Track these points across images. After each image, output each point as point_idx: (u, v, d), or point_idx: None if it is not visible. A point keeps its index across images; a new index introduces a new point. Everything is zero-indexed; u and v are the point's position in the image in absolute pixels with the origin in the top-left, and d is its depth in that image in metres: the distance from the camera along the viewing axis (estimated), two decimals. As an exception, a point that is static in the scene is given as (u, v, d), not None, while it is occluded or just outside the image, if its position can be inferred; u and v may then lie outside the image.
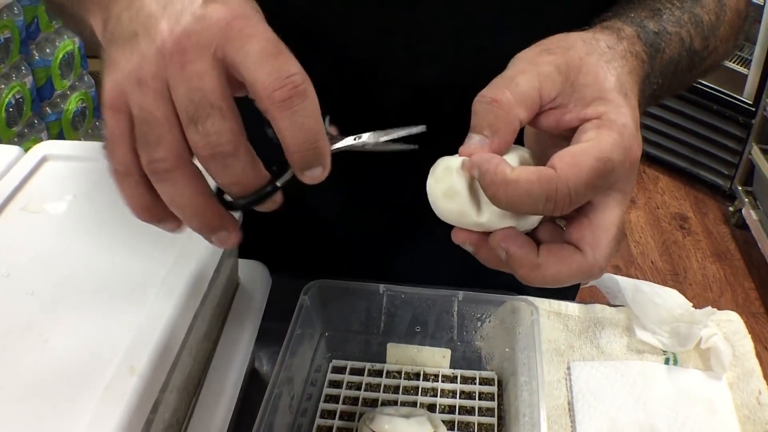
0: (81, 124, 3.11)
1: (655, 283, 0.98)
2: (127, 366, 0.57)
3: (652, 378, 0.90)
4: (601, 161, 0.53)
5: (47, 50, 2.83)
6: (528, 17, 0.82)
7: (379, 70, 0.86)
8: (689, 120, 3.40)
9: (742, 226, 3.25)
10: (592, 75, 0.57)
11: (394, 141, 0.59)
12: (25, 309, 0.63)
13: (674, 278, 3.02)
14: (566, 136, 0.57)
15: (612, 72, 0.58)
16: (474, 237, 0.58)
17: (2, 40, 2.54)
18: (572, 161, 0.52)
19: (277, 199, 0.54)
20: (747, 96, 3.15)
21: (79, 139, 3.12)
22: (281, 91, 0.49)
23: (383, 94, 0.87)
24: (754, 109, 3.12)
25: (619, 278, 0.97)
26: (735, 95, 3.18)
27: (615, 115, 0.55)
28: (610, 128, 0.54)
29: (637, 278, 0.98)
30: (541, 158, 0.57)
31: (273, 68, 0.49)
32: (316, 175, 0.52)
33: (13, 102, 2.63)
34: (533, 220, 0.58)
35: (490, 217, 0.56)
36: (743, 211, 3.18)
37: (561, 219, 0.59)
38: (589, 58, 0.58)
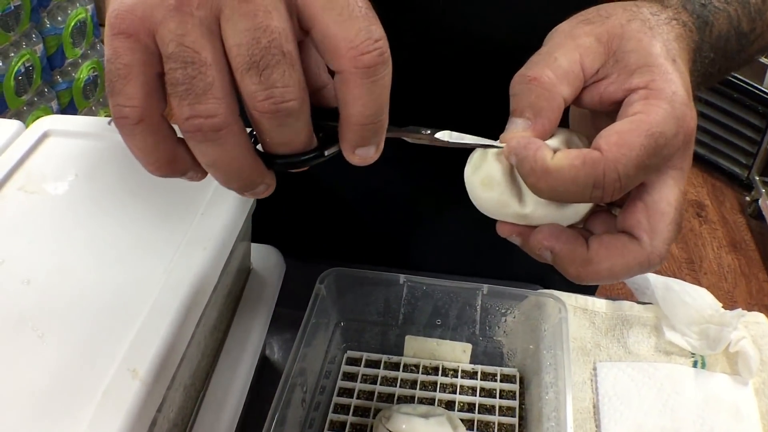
0: (92, 93, 3.08)
1: (669, 271, 0.95)
2: (128, 368, 0.52)
3: (679, 382, 0.87)
4: (652, 137, 0.48)
5: (59, 18, 2.79)
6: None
7: (399, 45, 0.82)
8: (709, 107, 3.34)
9: (757, 216, 3.21)
10: (635, 41, 0.52)
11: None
12: (19, 299, 0.58)
13: (689, 266, 2.98)
14: (612, 111, 0.53)
15: (657, 38, 0.53)
16: (519, 230, 0.54)
17: (12, 7, 2.50)
18: (620, 140, 0.48)
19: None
20: (767, 86, 3.10)
21: (90, 108, 3.09)
22: (370, 56, 0.42)
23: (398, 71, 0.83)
24: (773, 101, 3.08)
25: (650, 275, 0.93)
26: (755, 84, 3.13)
27: (663, 83, 0.50)
28: (659, 98, 0.50)
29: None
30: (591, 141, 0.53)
31: (361, 27, 0.42)
32: (369, 155, 0.47)
33: (23, 70, 2.60)
34: (582, 210, 0.54)
35: (533, 207, 0.52)
36: (760, 201, 3.14)
37: (614, 206, 0.55)
38: (631, 24, 0.53)
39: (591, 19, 0.54)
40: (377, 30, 0.43)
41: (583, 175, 0.47)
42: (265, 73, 0.41)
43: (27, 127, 0.78)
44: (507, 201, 0.53)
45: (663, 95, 0.50)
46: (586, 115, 0.57)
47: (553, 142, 0.52)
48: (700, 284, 0.94)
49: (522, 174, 0.50)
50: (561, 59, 0.52)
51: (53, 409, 0.51)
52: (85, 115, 3.07)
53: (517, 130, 0.51)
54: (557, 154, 0.49)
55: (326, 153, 0.48)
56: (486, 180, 0.53)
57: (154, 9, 0.42)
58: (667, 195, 0.51)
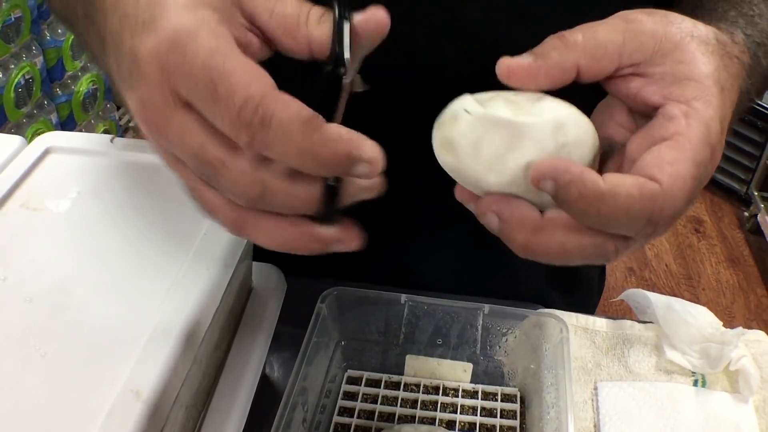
0: (92, 106, 3.08)
1: (668, 287, 0.95)
2: (131, 390, 0.52)
3: (680, 401, 0.87)
4: (697, 167, 0.46)
5: (59, 30, 2.80)
6: (563, 19, 0.78)
7: (403, 66, 0.81)
8: (707, 122, 3.35)
9: (756, 231, 3.21)
10: (690, 55, 0.50)
11: None
12: (22, 317, 0.59)
13: (688, 282, 2.98)
14: (640, 111, 0.51)
15: (714, 63, 0.50)
16: (476, 198, 0.50)
17: (13, 19, 2.50)
18: (674, 172, 0.45)
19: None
20: (767, 101, 3.11)
21: (89, 121, 3.09)
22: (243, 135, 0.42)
23: (402, 92, 0.83)
24: (773, 115, 3.08)
25: (650, 294, 0.93)
26: (755, 100, 3.13)
27: (704, 105, 0.48)
28: (699, 119, 0.47)
29: (651, 281, 0.95)
30: (600, 129, 0.51)
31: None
32: (362, 172, 0.44)
33: (23, 82, 2.60)
34: None
35: (497, 181, 0.48)
36: (758, 216, 3.14)
37: None
38: (693, 40, 0.51)
39: (655, 16, 0.51)
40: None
41: (638, 208, 0.44)
42: (216, 184, 0.45)
43: (27, 139, 0.78)
44: (467, 170, 0.49)
45: (702, 118, 0.47)
46: (607, 100, 0.55)
47: (549, 110, 0.48)
48: (698, 300, 0.94)
49: (567, 200, 0.45)
50: (600, 33, 0.50)
51: (57, 429, 0.51)
52: (85, 127, 3.07)
53: (511, 62, 0.49)
54: (608, 178, 0.44)
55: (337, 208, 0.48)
56: (446, 143, 0.49)
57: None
58: (692, 155, 0.47)
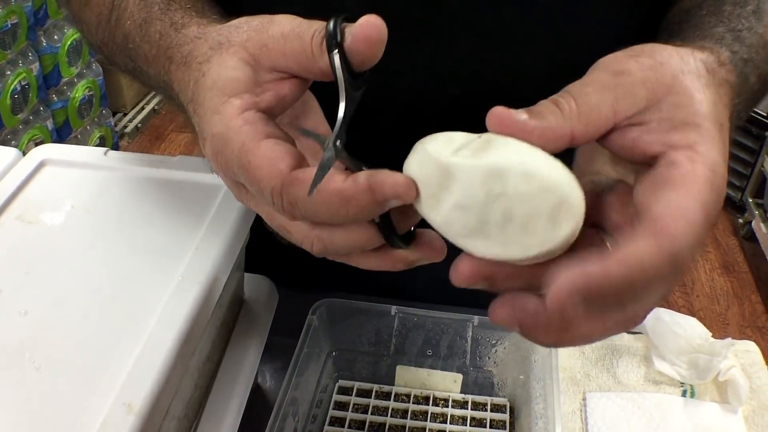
0: (87, 113, 3.09)
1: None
2: (123, 403, 0.53)
3: (669, 411, 0.87)
4: (706, 213, 0.44)
5: (55, 37, 2.81)
6: (553, 37, 0.78)
7: (396, 88, 0.82)
8: (702, 129, 3.36)
9: (750, 238, 3.21)
10: (686, 96, 0.48)
11: None
12: (16, 330, 0.59)
13: (682, 289, 2.98)
14: (639, 161, 0.48)
15: (709, 98, 0.49)
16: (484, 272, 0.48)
17: (9, 25, 2.51)
18: (688, 222, 0.43)
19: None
20: (762, 108, 3.11)
21: (85, 128, 3.10)
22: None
23: (397, 114, 0.83)
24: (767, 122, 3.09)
25: (639, 305, 0.94)
26: (749, 106, 3.14)
27: (707, 149, 0.46)
28: (704, 164, 0.45)
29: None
30: (584, 171, 0.50)
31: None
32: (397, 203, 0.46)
33: (19, 89, 2.61)
34: (564, 239, 0.45)
35: (436, 219, 0.46)
36: (753, 223, 3.14)
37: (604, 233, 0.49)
38: (685, 77, 0.49)
39: (642, 60, 0.50)
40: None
41: (667, 266, 0.42)
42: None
43: (22, 146, 0.79)
44: (418, 208, 0.47)
45: (707, 162, 0.45)
46: (594, 148, 0.53)
47: (499, 155, 0.45)
48: (692, 307, 0.95)
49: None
50: (591, 96, 0.48)
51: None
52: (80, 134, 3.08)
53: (505, 112, 0.47)
54: (621, 253, 0.42)
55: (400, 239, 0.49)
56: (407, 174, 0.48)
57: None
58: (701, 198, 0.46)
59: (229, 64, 0.52)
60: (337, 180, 0.46)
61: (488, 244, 0.45)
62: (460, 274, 0.47)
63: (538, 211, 0.44)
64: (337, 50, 0.48)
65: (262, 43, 0.52)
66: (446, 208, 0.46)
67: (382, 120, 0.80)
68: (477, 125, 0.83)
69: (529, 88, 0.79)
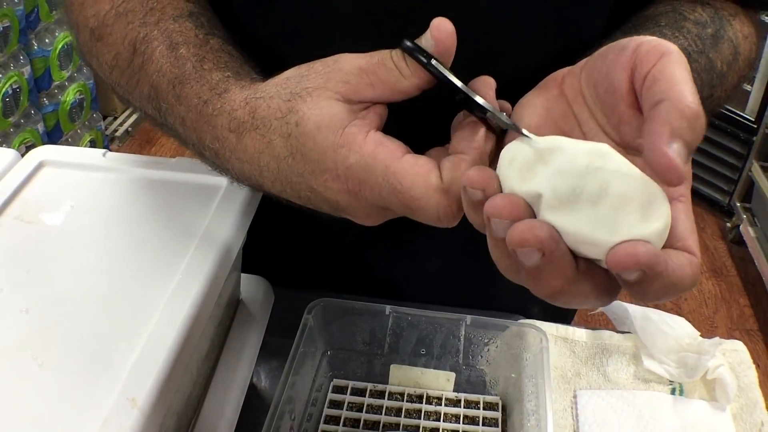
0: (78, 116, 3.09)
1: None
2: (127, 398, 0.54)
3: (658, 408, 0.89)
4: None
5: (46, 40, 2.81)
6: (543, 41, 0.79)
7: None
8: (690, 134, 3.37)
9: (738, 242, 3.23)
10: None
11: None
12: (19, 328, 0.60)
13: (670, 292, 2.99)
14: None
15: None
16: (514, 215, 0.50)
17: (1, 29, 2.52)
18: (696, 240, 0.47)
19: None
20: (749, 112, 3.13)
21: (76, 131, 3.10)
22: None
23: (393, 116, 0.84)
24: (755, 126, 3.10)
25: (628, 305, 0.95)
26: (737, 111, 3.16)
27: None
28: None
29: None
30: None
31: None
32: None
33: (10, 92, 2.61)
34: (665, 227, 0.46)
35: (521, 188, 0.47)
36: (741, 227, 3.16)
37: None
38: None
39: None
40: None
41: (690, 284, 0.45)
42: None
43: (13, 148, 0.80)
44: (502, 181, 0.49)
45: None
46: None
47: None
48: (680, 310, 0.96)
49: (650, 288, 0.44)
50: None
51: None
52: (71, 137, 3.08)
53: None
54: (673, 261, 0.44)
55: None
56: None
57: None
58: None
59: (322, 105, 0.53)
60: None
61: (575, 219, 0.45)
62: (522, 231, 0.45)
63: (634, 197, 0.45)
64: (432, 59, 0.53)
65: (343, 81, 0.54)
66: (544, 176, 0.46)
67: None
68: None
69: (523, 78, 0.80)
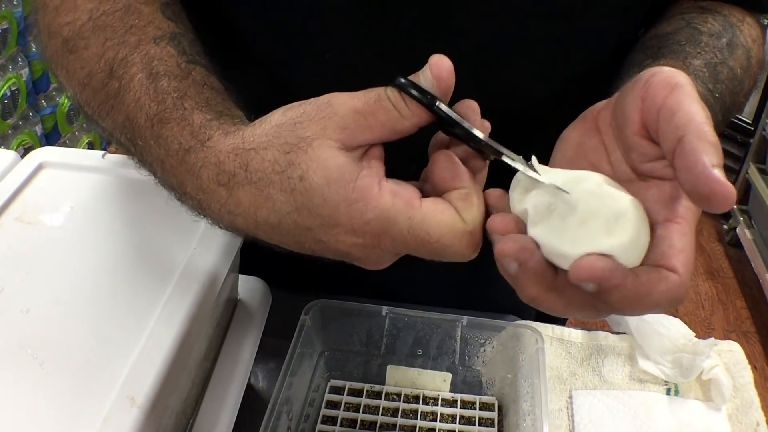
0: (76, 118, 3.09)
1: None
2: (127, 396, 0.54)
3: (653, 408, 0.89)
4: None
5: (45, 43, 2.80)
6: (551, 56, 0.79)
7: None
8: (687, 136, 3.37)
9: (735, 244, 3.24)
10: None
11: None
12: (19, 328, 0.61)
13: (667, 294, 3.00)
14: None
15: None
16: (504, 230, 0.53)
17: (0, 30, 2.51)
18: (686, 259, 0.47)
19: None
20: (746, 115, 3.14)
21: (74, 133, 3.10)
22: None
23: None
24: (752, 129, 3.11)
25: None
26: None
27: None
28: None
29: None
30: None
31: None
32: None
33: (8, 94, 2.61)
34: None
35: (515, 208, 0.53)
36: (738, 229, 3.17)
37: None
38: None
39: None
40: None
41: (667, 300, 0.47)
42: None
43: (11, 150, 0.81)
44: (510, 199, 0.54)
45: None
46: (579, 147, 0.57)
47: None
48: (677, 312, 0.96)
49: (609, 300, 0.46)
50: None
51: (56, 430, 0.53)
52: (69, 139, 3.08)
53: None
54: (642, 276, 0.46)
55: None
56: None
57: None
58: (692, 239, 0.50)
59: (326, 157, 0.51)
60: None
61: (548, 233, 0.49)
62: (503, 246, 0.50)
63: (600, 213, 0.48)
64: (437, 100, 0.52)
65: (341, 126, 0.52)
66: (531, 197, 0.52)
67: None
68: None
69: (528, 104, 0.81)
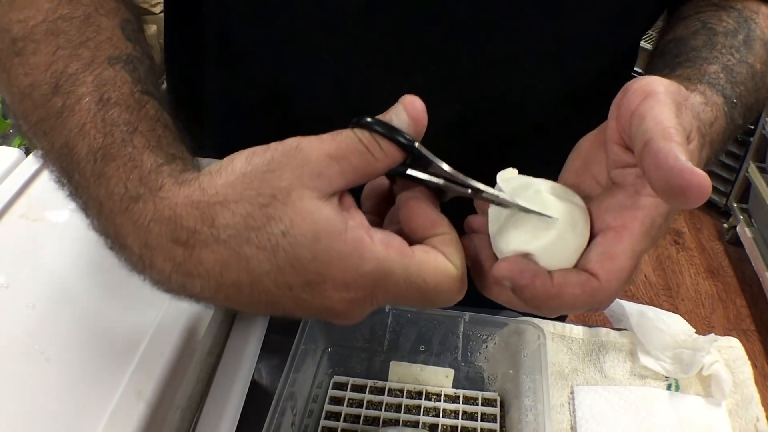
0: (77, 118, 3.08)
1: (647, 297, 0.98)
2: (135, 390, 0.55)
3: (654, 404, 0.90)
4: (636, 257, 0.51)
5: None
6: (556, 60, 0.80)
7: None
8: (687, 135, 3.38)
9: (735, 242, 3.25)
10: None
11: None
12: (26, 323, 0.62)
13: (667, 293, 3.01)
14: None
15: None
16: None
17: (2, 31, 2.51)
18: (614, 267, 0.50)
19: None
20: (745, 114, 3.14)
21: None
22: None
23: None
24: (752, 127, 3.12)
25: (624, 303, 0.96)
26: (733, 112, 3.16)
27: (658, 201, 0.52)
28: (647, 214, 0.51)
29: (630, 292, 0.98)
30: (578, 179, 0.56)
31: None
32: None
33: (10, 94, 2.60)
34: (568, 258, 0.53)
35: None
36: (737, 228, 3.18)
37: None
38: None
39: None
40: None
41: (581, 302, 0.49)
42: None
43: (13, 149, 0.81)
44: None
45: (650, 214, 0.51)
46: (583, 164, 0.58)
47: (551, 202, 0.53)
48: (677, 310, 0.97)
49: (521, 298, 0.51)
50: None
51: (65, 426, 0.54)
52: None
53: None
54: (555, 278, 0.50)
55: None
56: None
57: None
58: (631, 248, 0.51)
59: (310, 209, 0.47)
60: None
61: (497, 237, 0.53)
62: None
63: (530, 217, 0.52)
64: (415, 142, 0.50)
65: (315, 174, 0.47)
66: (495, 208, 0.55)
67: None
68: (476, 141, 0.84)
69: (530, 108, 0.81)
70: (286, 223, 0.46)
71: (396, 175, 0.52)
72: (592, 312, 0.51)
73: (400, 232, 0.52)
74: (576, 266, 0.51)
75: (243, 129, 0.92)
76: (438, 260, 0.50)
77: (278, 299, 0.48)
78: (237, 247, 0.47)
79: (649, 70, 0.71)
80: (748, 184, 3.17)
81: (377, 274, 0.48)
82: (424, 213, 0.51)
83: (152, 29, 3.09)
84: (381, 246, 0.48)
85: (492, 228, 0.54)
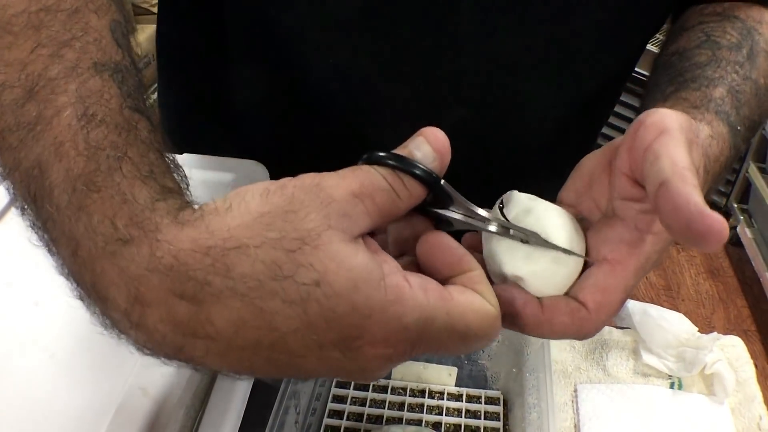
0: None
1: (647, 297, 0.98)
2: (139, 387, 0.55)
3: (657, 402, 0.90)
4: (628, 291, 0.51)
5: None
6: (556, 61, 0.79)
7: (405, 113, 0.82)
8: (687, 136, 3.38)
9: (736, 243, 3.24)
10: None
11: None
12: (30, 320, 0.61)
13: (667, 293, 3.01)
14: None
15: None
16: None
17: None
18: (604, 300, 0.50)
19: None
20: (745, 115, 3.14)
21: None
22: None
23: (404, 133, 0.84)
24: (752, 128, 3.12)
25: (628, 301, 0.96)
26: (733, 113, 3.16)
27: (656, 239, 0.51)
28: (642, 251, 0.51)
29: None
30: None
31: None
32: None
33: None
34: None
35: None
36: (738, 228, 3.17)
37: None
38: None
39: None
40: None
41: (571, 332, 0.50)
42: None
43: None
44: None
45: (645, 251, 0.51)
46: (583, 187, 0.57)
47: (552, 220, 0.53)
48: (677, 311, 0.97)
49: (518, 324, 0.50)
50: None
51: (68, 425, 0.54)
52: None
53: None
54: (546, 306, 0.50)
55: None
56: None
57: None
58: (624, 283, 0.51)
59: (344, 254, 0.41)
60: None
61: (490, 258, 0.53)
62: None
63: (521, 246, 0.52)
64: (440, 179, 0.47)
65: (342, 214, 0.42)
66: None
67: (388, 137, 0.82)
68: (479, 146, 0.84)
69: (534, 113, 0.81)
70: (319, 271, 0.40)
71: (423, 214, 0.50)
72: (577, 339, 0.51)
73: (412, 266, 0.48)
74: (567, 293, 0.52)
75: (260, 126, 0.90)
76: (476, 302, 0.45)
77: (301, 361, 0.42)
78: (259, 301, 0.40)
79: (653, 81, 0.71)
80: (748, 185, 3.17)
81: (420, 324, 0.42)
82: (449, 249, 0.47)
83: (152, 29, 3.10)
84: (421, 292, 0.43)
85: (485, 248, 0.54)
